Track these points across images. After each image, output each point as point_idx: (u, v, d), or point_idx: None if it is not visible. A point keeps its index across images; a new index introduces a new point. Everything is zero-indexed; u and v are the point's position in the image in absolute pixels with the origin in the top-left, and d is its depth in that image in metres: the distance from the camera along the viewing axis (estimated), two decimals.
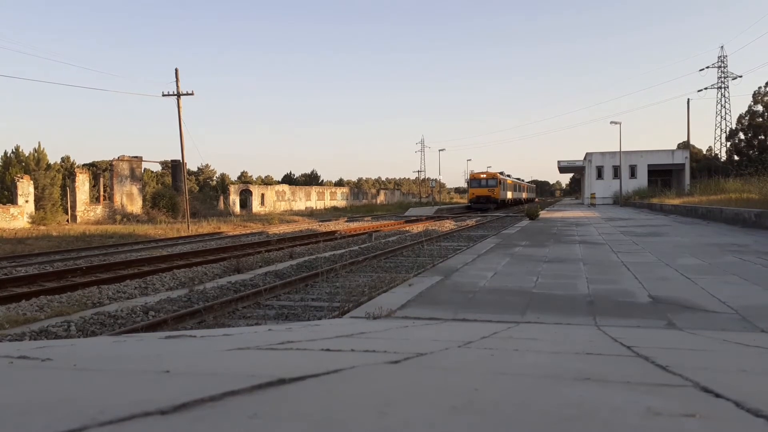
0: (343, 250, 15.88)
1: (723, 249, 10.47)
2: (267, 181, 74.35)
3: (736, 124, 55.10)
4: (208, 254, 15.38)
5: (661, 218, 23.54)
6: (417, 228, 25.58)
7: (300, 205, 53.97)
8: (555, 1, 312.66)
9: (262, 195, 49.07)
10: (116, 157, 35.36)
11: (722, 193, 25.38)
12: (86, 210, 31.97)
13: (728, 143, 55.98)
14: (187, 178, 38.82)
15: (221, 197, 46.14)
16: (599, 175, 51.97)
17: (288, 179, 78.01)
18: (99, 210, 32.95)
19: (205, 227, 27.59)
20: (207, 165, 74.26)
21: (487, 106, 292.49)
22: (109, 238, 21.63)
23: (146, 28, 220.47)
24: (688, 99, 50.42)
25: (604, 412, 1.45)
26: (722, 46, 67.09)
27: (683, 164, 49.05)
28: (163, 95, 27.77)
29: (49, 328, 6.78)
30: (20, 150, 33.89)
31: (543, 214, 29.30)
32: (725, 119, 56.48)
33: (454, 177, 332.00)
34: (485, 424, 1.29)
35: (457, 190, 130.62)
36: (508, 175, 60.11)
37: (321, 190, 60.90)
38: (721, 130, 56.67)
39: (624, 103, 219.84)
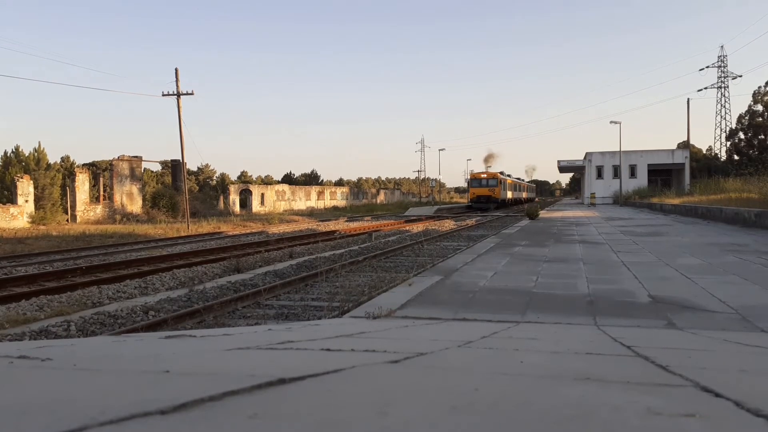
0: (342, 250, 15.88)
1: (723, 249, 10.47)
2: (267, 181, 74.36)
3: (736, 124, 55.10)
4: (207, 254, 15.38)
5: (661, 218, 23.54)
6: (417, 228, 25.58)
7: (300, 204, 53.96)
8: (554, 2, 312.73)
9: (262, 195, 49.06)
10: (116, 157, 35.36)
11: (722, 192, 25.38)
12: (86, 210, 31.97)
13: (728, 143, 56.00)
14: (187, 178, 38.82)
15: (221, 197, 46.14)
16: (599, 175, 51.98)
17: (288, 179, 78.00)
18: (99, 210, 32.94)
19: (205, 227, 27.59)
20: (207, 165, 74.26)
21: (487, 105, 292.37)
22: (108, 237, 21.63)
23: (146, 28, 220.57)
24: (688, 99, 50.54)
25: (604, 412, 1.45)
26: (722, 46, 67.06)
27: (683, 164, 49.06)
28: (163, 95, 27.79)
29: (49, 328, 6.78)
30: (20, 150, 33.88)
31: (543, 213, 29.31)
32: (725, 119, 56.54)
33: (454, 177, 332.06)
34: (485, 424, 1.29)
35: (457, 190, 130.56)
36: (509, 175, 60.14)
37: (321, 190, 60.88)
38: (721, 130, 56.72)
39: (624, 103, 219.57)
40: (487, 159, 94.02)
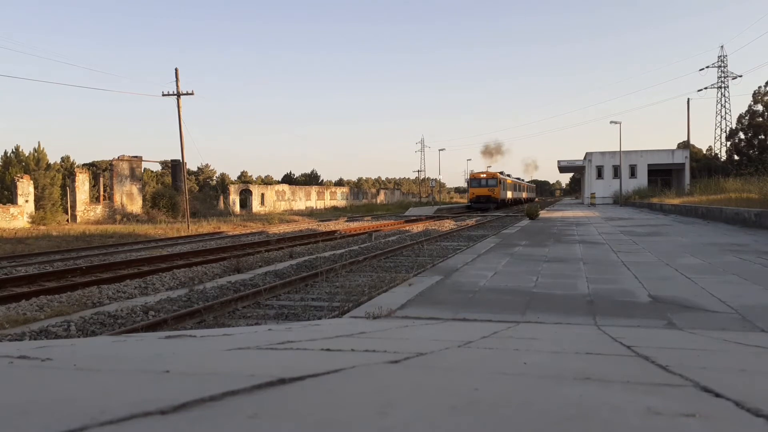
0: (343, 250, 15.88)
1: (723, 248, 10.47)
2: (267, 181, 74.36)
3: (736, 124, 55.12)
4: (208, 254, 15.38)
5: (661, 218, 23.54)
6: (417, 228, 25.58)
7: (300, 204, 53.96)
8: (554, 1, 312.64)
9: (262, 195, 49.06)
10: (116, 157, 35.35)
11: (722, 192, 25.37)
12: (86, 210, 31.96)
13: (728, 143, 56.01)
14: (187, 178, 38.83)
15: (221, 197, 46.14)
16: (599, 175, 51.99)
17: (288, 179, 78.01)
18: (99, 210, 32.94)
19: (205, 227, 27.58)
20: (207, 165, 74.25)
21: (487, 105, 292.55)
22: (109, 237, 21.63)
23: (147, 28, 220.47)
24: (688, 99, 50.46)
25: (604, 411, 1.45)
26: (722, 46, 67.12)
27: (683, 164, 49.07)
28: (163, 95, 27.78)
29: (49, 328, 6.78)
30: (20, 150, 33.93)
31: (543, 213, 29.30)
32: (725, 119, 56.52)
33: (454, 177, 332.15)
34: (485, 424, 1.29)
35: (457, 190, 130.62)
36: (508, 175, 60.13)
37: (321, 190, 60.89)
38: (721, 130, 56.71)
39: (624, 103, 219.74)
40: (493, 152, 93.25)
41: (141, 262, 13.50)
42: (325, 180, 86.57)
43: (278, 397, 1.45)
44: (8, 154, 33.89)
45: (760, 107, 52.77)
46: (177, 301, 8.50)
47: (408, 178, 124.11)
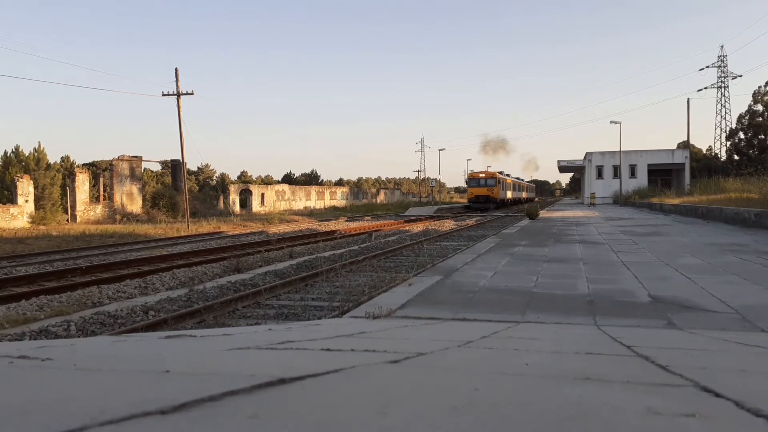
0: (342, 250, 15.88)
1: (723, 248, 10.47)
2: (267, 181, 74.38)
3: (736, 124, 55.12)
4: (208, 254, 15.38)
5: (661, 218, 23.54)
6: (417, 227, 25.57)
7: (300, 204, 53.96)
8: (554, 1, 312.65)
9: (262, 195, 49.06)
10: (116, 157, 35.35)
11: (722, 192, 25.37)
12: (86, 210, 31.96)
13: (728, 143, 56.01)
14: (187, 178, 38.82)
15: (221, 197, 46.14)
16: (599, 175, 52.00)
17: (288, 179, 78.03)
18: (99, 210, 32.94)
19: (205, 227, 27.58)
20: (207, 165, 74.24)
21: (487, 105, 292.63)
22: (108, 237, 21.62)
23: (147, 28, 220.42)
24: (688, 99, 50.46)
25: (604, 411, 1.45)
26: (722, 46, 67.15)
27: (683, 164, 49.08)
28: (163, 95, 27.76)
29: (49, 328, 6.78)
30: (20, 150, 33.91)
31: (543, 213, 29.31)
32: (725, 119, 56.51)
33: (454, 177, 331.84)
34: (485, 424, 1.29)
35: (457, 190, 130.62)
36: (508, 175, 60.09)
37: (321, 190, 60.87)
38: (721, 130, 56.71)
39: (624, 103, 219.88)
40: (495, 148, 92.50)
41: (141, 262, 13.50)
42: (325, 180, 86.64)
43: (278, 397, 1.45)
44: (8, 154, 33.88)
45: (760, 107, 52.77)
46: (177, 300, 8.50)
47: (408, 178, 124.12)
